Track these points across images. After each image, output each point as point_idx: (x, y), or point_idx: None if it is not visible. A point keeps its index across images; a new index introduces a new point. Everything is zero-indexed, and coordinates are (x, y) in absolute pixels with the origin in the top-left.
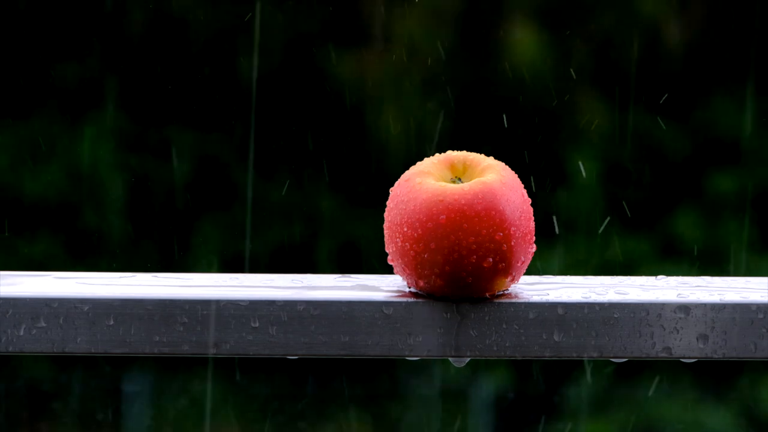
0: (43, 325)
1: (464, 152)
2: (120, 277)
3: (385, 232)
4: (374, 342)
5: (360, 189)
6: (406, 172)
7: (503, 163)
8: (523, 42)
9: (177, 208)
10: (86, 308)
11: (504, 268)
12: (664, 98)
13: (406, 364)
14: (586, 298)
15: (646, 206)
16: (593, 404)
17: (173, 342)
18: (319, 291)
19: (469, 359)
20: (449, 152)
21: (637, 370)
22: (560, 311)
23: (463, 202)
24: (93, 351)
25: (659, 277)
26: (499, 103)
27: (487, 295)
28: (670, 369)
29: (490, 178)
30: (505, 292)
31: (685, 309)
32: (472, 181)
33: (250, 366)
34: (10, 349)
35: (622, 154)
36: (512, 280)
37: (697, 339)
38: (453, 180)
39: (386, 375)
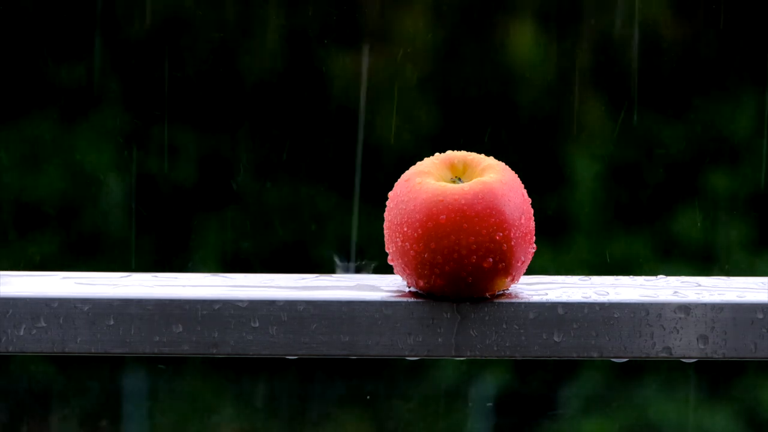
0: (43, 325)
1: (464, 152)
2: (120, 277)
3: (385, 232)
4: (374, 342)
5: (359, 188)
6: (406, 171)
7: (503, 163)
8: (523, 41)
9: (177, 208)
10: (86, 308)
11: (504, 268)
12: (663, 98)
13: (406, 364)
14: (586, 298)
15: (646, 206)
16: (593, 404)
17: (173, 342)
18: (319, 291)
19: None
20: (449, 152)
21: (637, 370)
22: (560, 311)
23: (463, 202)
24: (93, 351)
25: (659, 277)
26: (499, 103)
27: (487, 295)
28: (670, 369)
29: (490, 178)
30: (505, 292)
31: (685, 309)
32: (472, 181)
33: (251, 366)
34: (10, 349)
35: (622, 154)
36: (512, 280)
37: (697, 339)
38: (453, 180)
39: (386, 375)
